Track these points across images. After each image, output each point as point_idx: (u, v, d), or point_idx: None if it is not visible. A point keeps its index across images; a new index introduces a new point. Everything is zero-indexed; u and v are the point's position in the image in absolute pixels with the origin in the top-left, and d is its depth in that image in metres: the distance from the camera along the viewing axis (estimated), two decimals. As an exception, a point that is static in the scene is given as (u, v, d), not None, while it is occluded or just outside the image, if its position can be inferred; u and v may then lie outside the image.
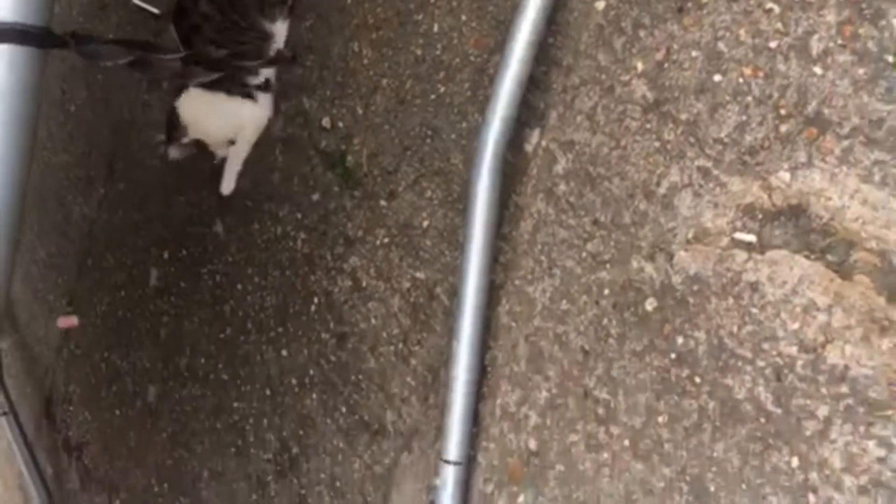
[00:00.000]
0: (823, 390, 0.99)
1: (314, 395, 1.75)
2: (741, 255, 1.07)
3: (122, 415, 2.46)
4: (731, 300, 1.08)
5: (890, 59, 0.95)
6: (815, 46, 1.01)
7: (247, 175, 1.97)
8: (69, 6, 2.61)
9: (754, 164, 1.07)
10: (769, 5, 1.06)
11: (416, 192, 1.54)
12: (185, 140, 1.84)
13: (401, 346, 1.56)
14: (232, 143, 1.90)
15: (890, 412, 0.93)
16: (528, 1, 1.25)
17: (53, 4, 0.88)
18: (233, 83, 1.79)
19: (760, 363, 1.04)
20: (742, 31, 1.08)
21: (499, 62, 1.29)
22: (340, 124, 1.72)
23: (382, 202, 1.61)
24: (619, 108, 1.23)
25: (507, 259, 1.37)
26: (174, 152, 1.81)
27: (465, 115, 1.46)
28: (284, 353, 1.84)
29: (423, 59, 1.54)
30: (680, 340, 1.13)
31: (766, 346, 1.04)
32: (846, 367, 0.97)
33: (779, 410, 1.02)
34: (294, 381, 1.81)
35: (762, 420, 1.04)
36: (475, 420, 1.38)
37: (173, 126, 1.83)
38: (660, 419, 1.15)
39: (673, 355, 1.14)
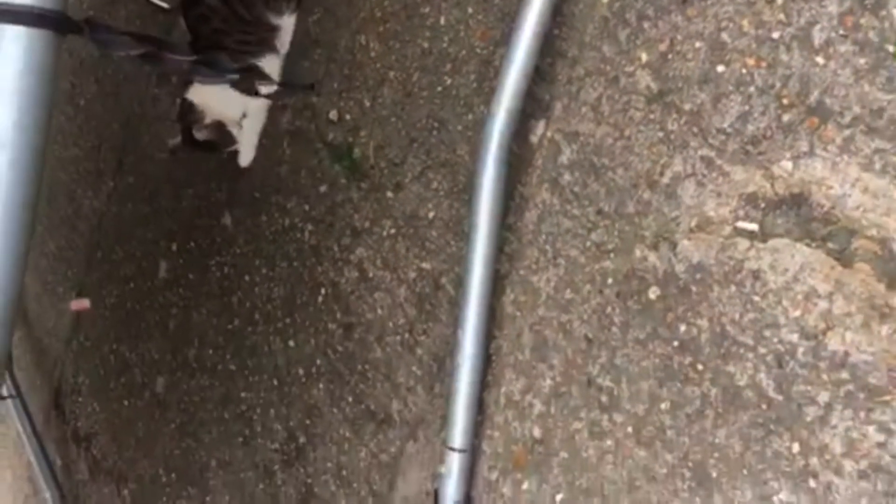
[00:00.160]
0: (824, 376, 1.00)
1: (321, 385, 1.77)
2: (743, 244, 1.09)
3: (130, 406, 2.49)
4: (733, 288, 1.09)
5: (890, 48, 0.96)
6: (817, 37, 1.02)
7: (255, 168, 1.98)
8: (79, -1, 2.63)
9: (757, 154, 1.08)
10: (772, -4, 1.07)
11: (422, 183, 1.56)
12: (207, 121, 1.88)
13: (407, 335, 1.57)
14: (245, 116, 1.94)
15: (889, 398, 0.95)
16: (533, -7, 1.26)
17: (70, -12, 0.90)
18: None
19: (762, 350, 1.06)
20: (745, 22, 1.10)
21: (504, 54, 1.30)
22: (347, 117, 1.73)
23: (389, 193, 1.63)
24: (624, 99, 1.24)
25: (512, 249, 1.39)
26: (201, 133, 1.87)
27: (471, 107, 1.47)
28: (292, 343, 1.86)
29: (430, 52, 1.56)
30: (683, 328, 1.14)
31: (767, 333, 1.05)
32: (846, 354, 0.98)
33: (780, 397, 1.04)
34: (301, 372, 1.82)
35: (763, 406, 1.05)
36: (480, 408, 1.40)
37: (190, 113, 1.88)
38: (662, 406, 1.16)
39: (676, 343, 1.15)
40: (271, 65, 1.88)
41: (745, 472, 1.06)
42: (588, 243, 1.28)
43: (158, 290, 2.35)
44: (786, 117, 1.05)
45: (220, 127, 1.94)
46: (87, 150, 2.74)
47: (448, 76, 1.52)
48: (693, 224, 1.14)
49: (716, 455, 1.10)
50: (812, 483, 1.00)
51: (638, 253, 1.20)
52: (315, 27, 1.83)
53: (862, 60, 0.98)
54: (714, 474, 1.10)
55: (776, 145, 1.06)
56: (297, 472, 1.82)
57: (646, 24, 1.22)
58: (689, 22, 1.16)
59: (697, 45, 1.15)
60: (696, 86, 1.15)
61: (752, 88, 1.09)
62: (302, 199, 1.84)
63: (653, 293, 1.18)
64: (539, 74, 1.32)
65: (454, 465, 1.38)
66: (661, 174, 1.18)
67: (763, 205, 1.07)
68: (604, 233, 1.26)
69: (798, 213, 1.04)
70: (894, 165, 0.95)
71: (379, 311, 1.64)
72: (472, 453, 1.40)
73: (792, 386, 1.03)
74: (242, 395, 2.00)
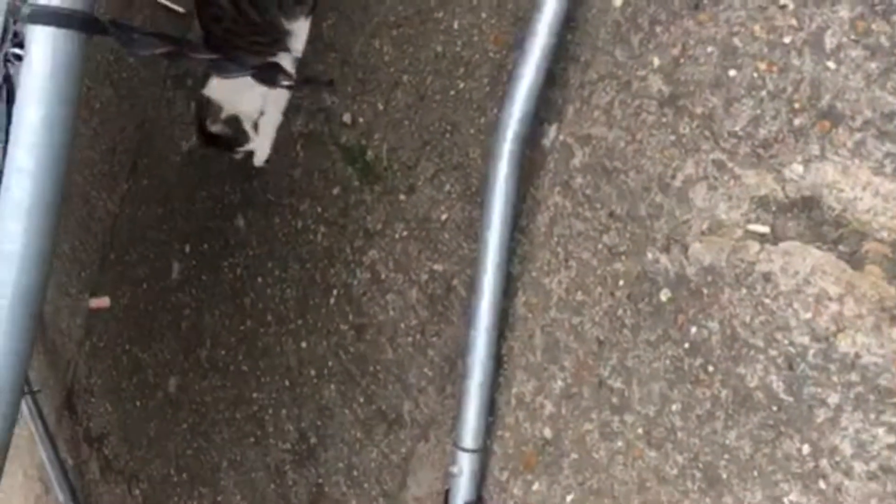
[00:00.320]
0: (834, 378, 1.01)
1: (333, 386, 1.78)
2: (754, 247, 1.09)
3: (142, 406, 2.51)
4: (744, 290, 1.10)
5: (902, 53, 0.97)
6: (829, 41, 1.03)
7: (268, 170, 2.00)
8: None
9: (768, 157, 1.09)
10: (783, 2, 1.08)
11: (434, 186, 1.57)
12: (223, 116, 1.91)
13: (418, 337, 1.58)
14: (262, 114, 1.96)
15: (900, 399, 0.95)
16: (546, -2, 1.28)
17: (98, -9, 0.92)
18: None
19: (773, 352, 1.06)
20: (757, 27, 1.11)
21: (517, 58, 1.32)
22: (361, 120, 1.75)
23: (402, 196, 1.64)
24: (636, 103, 1.25)
25: (524, 251, 1.40)
26: (215, 126, 1.91)
27: (483, 111, 1.49)
28: (304, 344, 1.87)
29: (444, 56, 1.57)
30: (694, 330, 1.15)
31: (778, 335, 1.06)
32: (857, 356, 0.99)
33: (790, 398, 1.04)
34: (313, 372, 1.84)
35: (774, 408, 1.06)
36: (491, 409, 1.41)
37: (207, 107, 1.91)
38: (673, 408, 1.17)
39: (686, 345, 1.16)
40: (287, 64, 1.90)
41: (755, 473, 1.07)
42: (600, 246, 1.29)
43: (171, 291, 2.37)
44: (797, 121, 1.06)
45: (235, 122, 1.96)
46: (101, 152, 2.76)
47: (461, 80, 1.53)
48: (704, 227, 1.15)
49: (726, 456, 1.10)
50: (822, 484, 1.01)
51: (649, 255, 1.21)
52: (329, 31, 1.85)
53: (873, 65, 0.99)
54: (724, 475, 1.10)
55: (787, 149, 1.07)
56: (309, 472, 1.84)
57: (658, 29, 1.23)
58: (702, 27, 1.17)
59: (709, 49, 1.16)
60: (707, 90, 1.16)
61: (763, 92, 1.10)
62: (315, 201, 1.86)
63: (664, 295, 1.19)
64: (551, 78, 1.34)
65: (465, 465, 1.39)
66: (673, 177, 1.19)
67: (774, 208, 1.08)
68: (615, 235, 1.27)
69: (809, 217, 1.04)
70: (905, 169, 0.96)
71: (391, 313, 1.65)
72: (484, 454, 1.41)
73: (802, 388, 1.03)
74: (254, 395, 2.01)
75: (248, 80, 1.90)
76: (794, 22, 1.07)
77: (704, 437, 1.13)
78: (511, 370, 1.40)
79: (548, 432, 1.34)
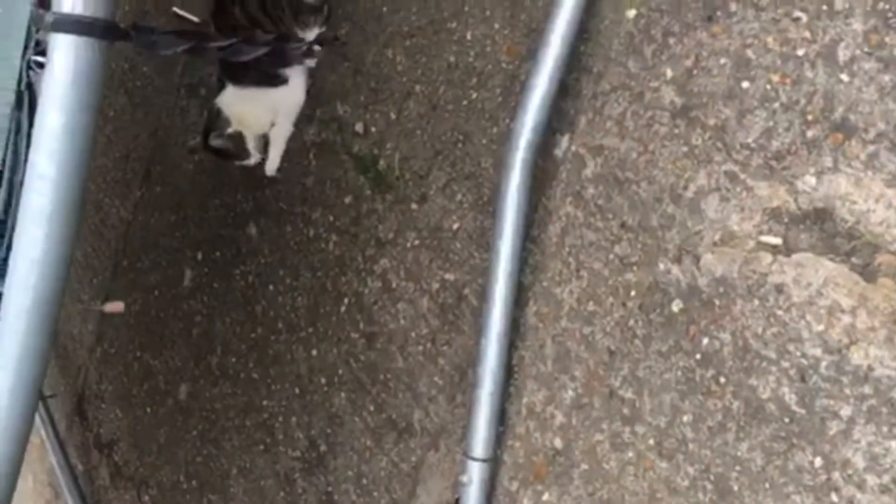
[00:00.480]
0: (847, 391, 1.00)
1: (343, 394, 1.79)
2: (767, 258, 1.09)
3: (152, 412, 2.52)
4: (756, 302, 1.10)
5: (916, 66, 0.97)
6: (842, 54, 1.04)
7: (281, 178, 2.01)
8: (111, 14, 2.68)
9: (781, 169, 1.09)
10: (797, 14, 1.08)
11: (446, 195, 1.58)
12: (229, 131, 1.95)
13: (429, 345, 1.59)
14: (273, 126, 1.99)
15: (913, 412, 0.95)
16: (560, 9, 1.29)
17: (118, -1, 0.94)
18: (267, 77, 1.88)
19: (785, 364, 1.06)
20: (770, 39, 1.11)
21: (530, 69, 1.33)
22: (373, 129, 1.76)
23: (413, 205, 1.65)
24: (648, 114, 1.26)
25: (535, 261, 1.40)
26: (217, 141, 1.95)
27: (496, 121, 1.49)
28: (314, 352, 1.88)
29: (456, 66, 1.58)
30: (705, 341, 1.15)
31: (790, 347, 1.06)
32: (870, 368, 0.98)
33: (803, 411, 1.04)
34: (323, 380, 1.84)
35: (786, 420, 1.06)
36: (501, 419, 1.41)
37: (216, 119, 1.94)
38: (684, 419, 1.17)
39: (698, 356, 1.16)
40: (298, 76, 1.92)
41: (767, 485, 1.07)
42: (611, 256, 1.29)
43: (183, 298, 2.38)
44: (810, 133, 1.06)
45: (238, 139, 1.99)
46: (115, 159, 2.78)
47: (474, 90, 1.54)
48: (717, 238, 1.15)
49: (738, 468, 1.10)
50: (834, 497, 1.00)
51: (661, 266, 1.22)
52: (343, 40, 1.86)
53: (887, 77, 0.99)
54: (736, 487, 1.10)
55: (800, 161, 1.07)
56: (318, 480, 1.84)
57: (671, 41, 1.23)
58: (715, 39, 1.18)
59: (722, 61, 1.16)
60: (720, 101, 1.16)
61: (776, 104, 1.10)
62: (327, 209, 1.87)
63: (676, 306, 1.19)
64: (564, 89, 1.34)
65: (475, 474, 1.39)
66: (685, 188, 1.19)
67: (787, 219, 1.08)
68: (627, 246, 1.27)
69: (822, 229, 1.04)
70: (919, 181, 0.96)
71: (402, 322, 1.65)
72: (494, 463, 1.41)
73: (815, 400, 1.03)
74: (264, 403, 2.02)
75: (260, 92, 1.93)
76: (807, 34, 1.07)
77: (716, 449, 1.13)
78: (521, 380, 1.40)
79: (558, 442, 1.34)
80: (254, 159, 1.99)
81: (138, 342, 2.62)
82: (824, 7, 1.05)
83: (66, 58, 0.90)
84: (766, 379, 1.08)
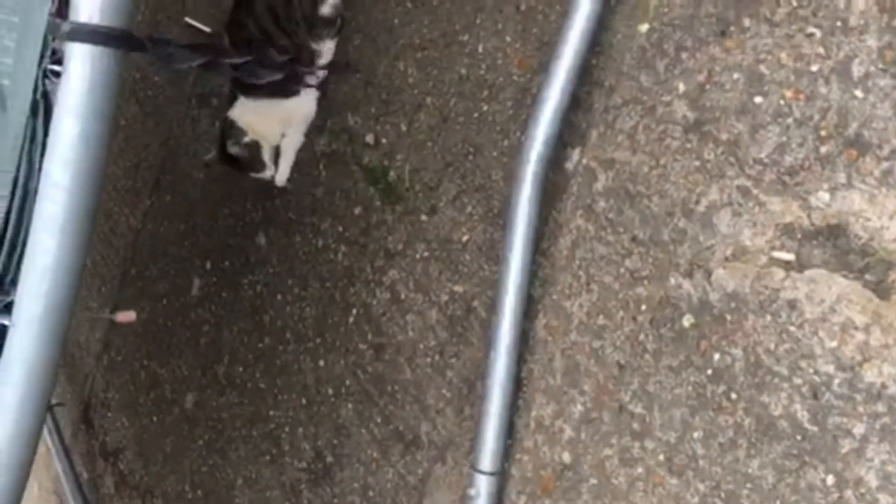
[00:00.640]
0: (860, 408, 1.00)
1: (350, 406, 1.78)
2: (779, 274, 1.09)
3: (159, 421, 2.51)
4: (768, 318, 1.09)
5: (931, 83, 0.97)
6: (856, 70, 1.03)
7: (290, 189, 2.02)
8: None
9: (794, 185, 1.08)
10: (811, 30, 1.08)
11: (456, 207, 1.58)
12: (245, 140, 1.96)
13: (437, 357, 1.58)
14: (284, 136, 2.00)
15: (927, 431, 0.94)
16: (571, 23, 1.29)
17: (135, 9, 0.94)
18: (279, 89, 1.89)
19: (797, 380, 1.06)
20: (784, 55, 1.11)
21: (542, 82, 1.33)
22: (384, 140, 1.76)
23: (423, 217, 1.65)
24: (660, 128, 1.25)
25: (545, 274, 1.40)
26: (235, 149, 1.97)
27: (507, 134, 1.50)
28: (322, 363, 1.87)
29: (468, 78, 1.58)
30: (716, 357, 1.15)
31: (803, 363, 1.05)
32: (883, 386, 0.98)
33: (815, 428, 1.03)
34: (330, 391, 1.84)
35: (798, 437, 1.05)
36: (510, 432, 1.40)
37: (230, 129, 1.95)
38: (695, 434, 1.16)
39: (709, 371, 1.15)
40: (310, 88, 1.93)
41: (778, 503, 1.06)
42: (622, 270, 1.29)
43: (191, 307, 2.38)
44: (823, 149, 1.06)
45: (255, 147, 2.00)
46: (125, 168, 2.79)
47: (485, 102, 1.54)
48: (728, 253, 1.15)
49: (748, 485, 1.09)
50: (847, 516, 1.00)
51: (672, 280, 1.21)
52: (354, 52, 1.87)
53: (901, 94, 0.99)
54: (746, 504, 1.09)
55: (813, 176, 1.06)
56: (324, 491, 1.83)
57: (684, 55, 1.23)
58: (728, 53, 1.18)
59: (735, 76, 1.16)
60: (733, 116, 1.16)
61: (790, 120, 1.10)
62: (336, 220, 1.87)
63: (686, 321, 1.19)
64: (576, 102, 1.34)
65: (483, 488, 1.39)
66: (697, 203, 1.19)
67: (800, 235, 1.08)
68: (638, 260, 1.26)
69: (835, 245, 1.04)
70: (933, 199, 0.96)
71: (410, 333, 1.65)
72: (501, 477, 1.40)
73: (827, 417, 1.02)
74: (271, 413, 2.01)
75: (272, 103, 1.94)
76: (821, 50, 1.07)
77: (727, 466, 1.12)
78: (530, 393, 1.40)
79: (567, 457, 1.33)
80: (269, 171, 2.00)
81: (145, 350, 2.62)
82: (838, 23, 1.05)
83: (82, 67, 0.90)
84: (777, 395, 1.07)
